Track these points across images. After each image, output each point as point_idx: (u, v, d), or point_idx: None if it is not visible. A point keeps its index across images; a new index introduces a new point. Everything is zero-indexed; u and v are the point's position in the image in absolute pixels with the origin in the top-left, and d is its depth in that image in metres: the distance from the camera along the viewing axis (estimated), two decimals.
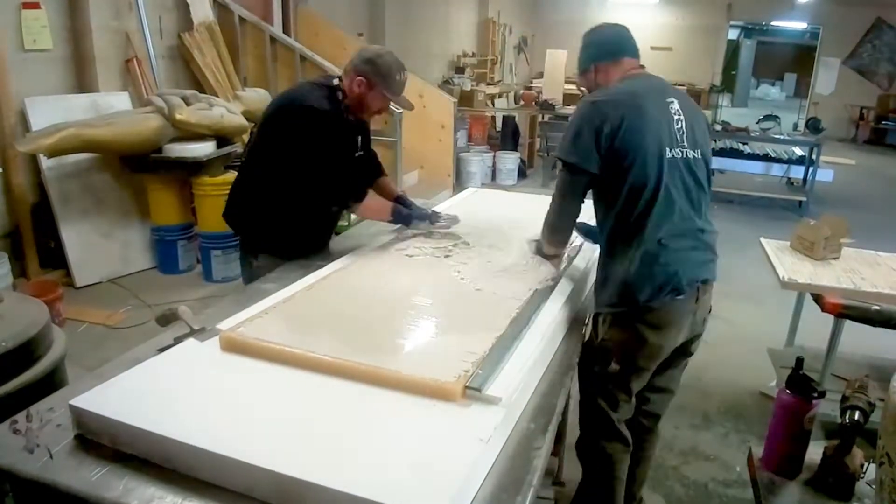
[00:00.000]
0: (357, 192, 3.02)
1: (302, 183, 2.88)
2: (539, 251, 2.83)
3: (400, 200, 3.33)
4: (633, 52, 2.67)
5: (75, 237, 5.43)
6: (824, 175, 10.50)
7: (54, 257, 5.44)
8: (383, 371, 1.83)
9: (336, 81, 2.99)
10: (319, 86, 2.98)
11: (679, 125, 2.47)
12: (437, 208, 3.45)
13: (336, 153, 2.89)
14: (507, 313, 2.26)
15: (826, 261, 4.03)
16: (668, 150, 2.40)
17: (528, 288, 2.48)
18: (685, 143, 2.46)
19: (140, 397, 1.72)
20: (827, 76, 17.45)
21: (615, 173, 2.39)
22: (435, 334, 2.11)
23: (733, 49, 22.26)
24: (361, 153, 3.22)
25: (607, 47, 2.66)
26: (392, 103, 3.07)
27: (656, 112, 2.44)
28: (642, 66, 2.68)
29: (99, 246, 5.59)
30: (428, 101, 8.03)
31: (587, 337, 2.65)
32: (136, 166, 5.58)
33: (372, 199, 3.10)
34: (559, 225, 2.64)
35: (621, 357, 2.53)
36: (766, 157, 10.99)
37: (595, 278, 2.62)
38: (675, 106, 2.51)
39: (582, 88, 2.82)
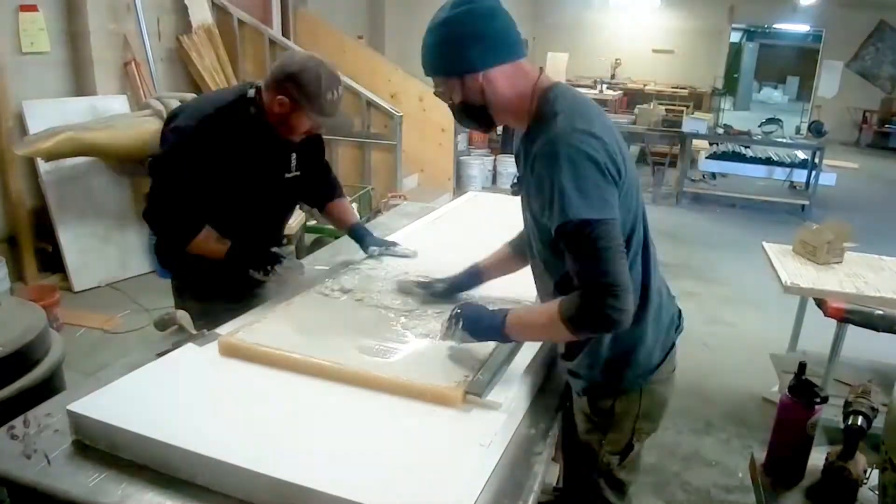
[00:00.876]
0: (189, 227, 2.44)
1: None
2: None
3: (355, 230, 2.92)
4: (525, 49, 1.91)
5: (73, 241, 5.42)
6: (827, 179, 10.46)
7: (52, 261, 5.44)
8: (383, 376, 1.83)
9: (252, 92, 2.45)
10: (223, 97, 2.51)
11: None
12: (437, 212, 3.41)
13: (184, 179, 2.37)
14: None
15: (829, 265, 4.02)
16: (639, 181, 1.89)
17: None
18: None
19: (138, 402, 1.71)
20: (830, 79, 17.42)
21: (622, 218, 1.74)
22: (435, 339, 2.09)
23: (735, 52, 22.20)
24: (297, 174, 2.69)
25: (503, 43, 1.83)
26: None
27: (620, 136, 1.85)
28: (541, 69, 1.92)
29: (97, 250, 5.57)
30: (428, 104, 8.02)
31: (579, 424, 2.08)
32: (135, 170, 5.54)
33: (205, 235, 2.47)
34: (622, 320, 1.68)
35: (642, 432, 2.04)
36: (768, 161, 10.96)
37: (590, 357, 1.94)
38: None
39: (442, 96, 1.94)
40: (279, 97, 2.34)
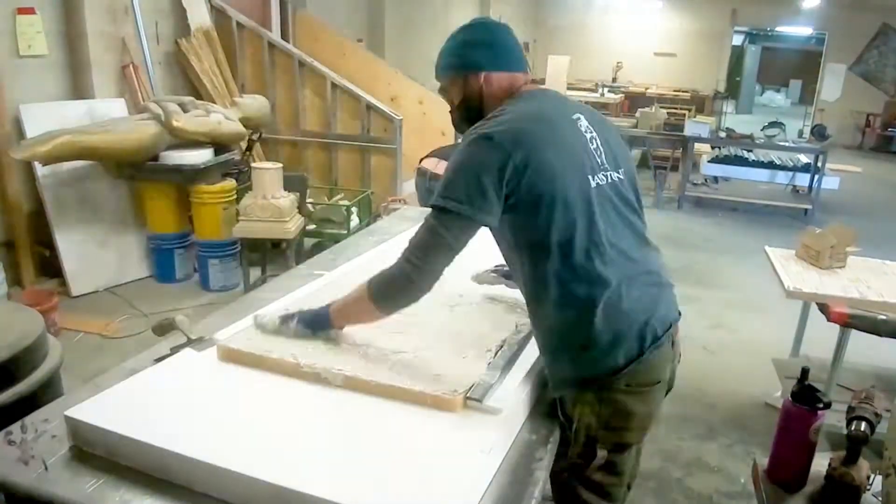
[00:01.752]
0: None
1: None
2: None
3: None
4: (525, 66, 2.14)
5: (71, 246, 5.39)
6: (830, 183, 10.45)
7: (50, 266, 5.42)
8: (383, 382, 1.82)
9: None
10: None
11: (594, 144, 2.00)
12: None
13: None
14: (507, 327, 2.24)
15: (832, 270, 4.01)
16: (590, 178, 1.94)
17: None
18: (607, 165, 2.00)
19: (136, 408, 1.71)
20: (833, 82, 17.42)
21: (534, 221, 1.87)
22: (435, 345, 2.09)
23: (738, 55, 22.23)
24: None
25: (507, 54, 2.09)
26: None
27: (568, 135, 1.98)
28: (534, 82, 2.18)
29: (95, 254, 5.55)
30: (428, 108, 8.01)
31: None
32: (133, 174, 5.52)
33: None
34: (415, 287, 1.91)
35: (606, 440, 1.96)
36: (770, 165, 10.95)
37: (549, 354, 1.99)
38: (584, 122, 2.03)
39: (445, 98, 2.20)
40: None
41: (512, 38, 2.13)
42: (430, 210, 1.89)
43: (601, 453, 1.96)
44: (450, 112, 2.18)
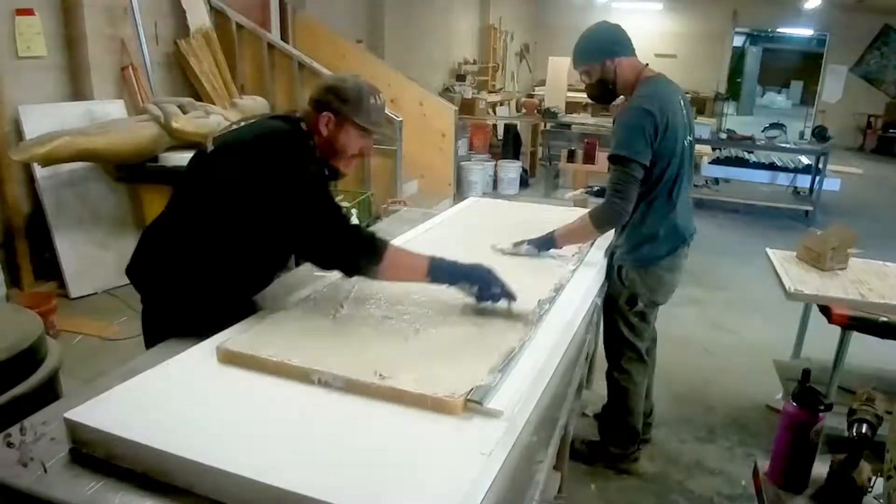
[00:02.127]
0: (368, 251, 2.27)
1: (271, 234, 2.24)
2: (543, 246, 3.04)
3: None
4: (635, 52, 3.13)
5: (70, 247, 5.38)
6: (831, 184, 10.46)
7: (49, 268, 5.40)
8: (384, 384, 1.80)
9: (305, 126, 2.30)
10: (278, 126, 2.30)
11: (688, 118, 3.15)
12: (438, 218, 3.41)
13: (322, 189, 2.25)
14: (508, 330, 2.23)
15: (833, 271, 4.00)
16: (685, 140, 3.10)
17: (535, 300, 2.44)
18: (691, 130, 3.18)
19: (136, 410, 1.69)
20: (834, 84, 17.43)
21: (662, 165, 3.03)
22: (436, 348, 2.08)
23: (738, 56, 22.23)
24: None
25: (626, 44, 3.07)
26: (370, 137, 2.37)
27: (678, 108, 3.06)
28: (647, 65, 3.14)
29: (94, 256, 5.53)
30: (428, 109, 8.01)
31: (612, 281, 3.33)
32: (132, 175, 5.50)
33: (396, 254, 2.31)
34: (624, 212, 2.99)
35: (644, 297, 3.29)
36: (771, 166, 10.96)
37: (623, 240, 3.24)
38: (683, 100, 3.16)
39: (586, 79, 3.15)
40: (324, 115, 2.26)
41: (626, 33, 3.09)
42: (611, 160, 2.99)
43: (640, 304, 3.31)
44: (586, 87, 3.18)
